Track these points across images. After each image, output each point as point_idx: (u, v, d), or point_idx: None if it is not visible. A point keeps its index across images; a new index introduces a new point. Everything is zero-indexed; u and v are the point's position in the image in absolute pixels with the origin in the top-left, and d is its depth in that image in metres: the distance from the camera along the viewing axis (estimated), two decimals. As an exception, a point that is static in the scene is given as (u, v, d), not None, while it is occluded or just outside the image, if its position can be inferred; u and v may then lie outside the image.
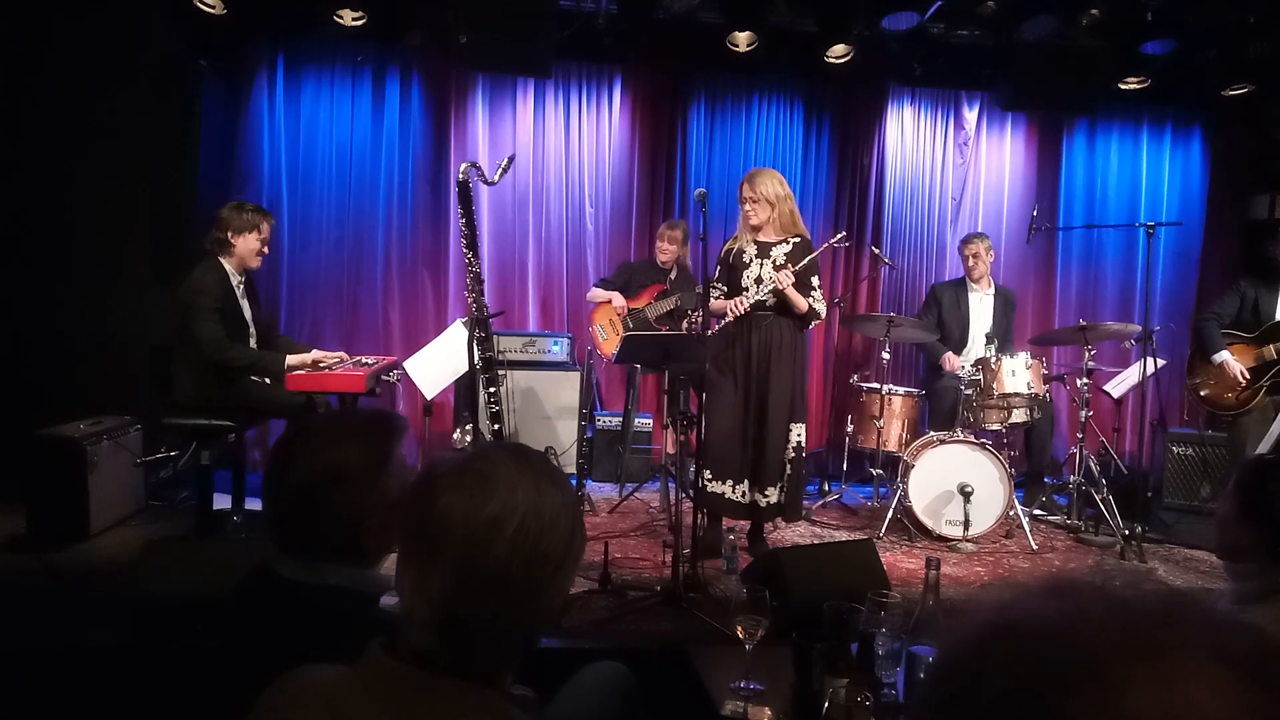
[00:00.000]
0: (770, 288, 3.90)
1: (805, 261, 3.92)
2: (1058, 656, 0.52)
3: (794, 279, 3.88)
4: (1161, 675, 0.50)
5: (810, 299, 3.97)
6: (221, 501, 4.22)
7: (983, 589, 3.89)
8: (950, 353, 5.28)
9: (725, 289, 4.07)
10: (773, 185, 3.95)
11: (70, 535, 3.80)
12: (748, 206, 3.97)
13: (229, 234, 4.04)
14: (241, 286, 4.15)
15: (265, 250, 4.19)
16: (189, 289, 3.93)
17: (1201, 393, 5.14)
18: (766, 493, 3.94)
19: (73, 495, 3.83)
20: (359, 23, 5.03)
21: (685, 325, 4.77)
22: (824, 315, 4.15)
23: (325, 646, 1.10)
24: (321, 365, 4.15)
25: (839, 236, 4.31)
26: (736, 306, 3.91)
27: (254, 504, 4.16)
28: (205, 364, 3.91)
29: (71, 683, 2.51)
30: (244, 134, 5.51)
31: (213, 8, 4.78)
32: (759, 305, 3.94)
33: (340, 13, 4.98)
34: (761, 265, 3.97)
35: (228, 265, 4.06)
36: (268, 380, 4.12)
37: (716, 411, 3.94)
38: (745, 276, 3.99)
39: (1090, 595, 0.56)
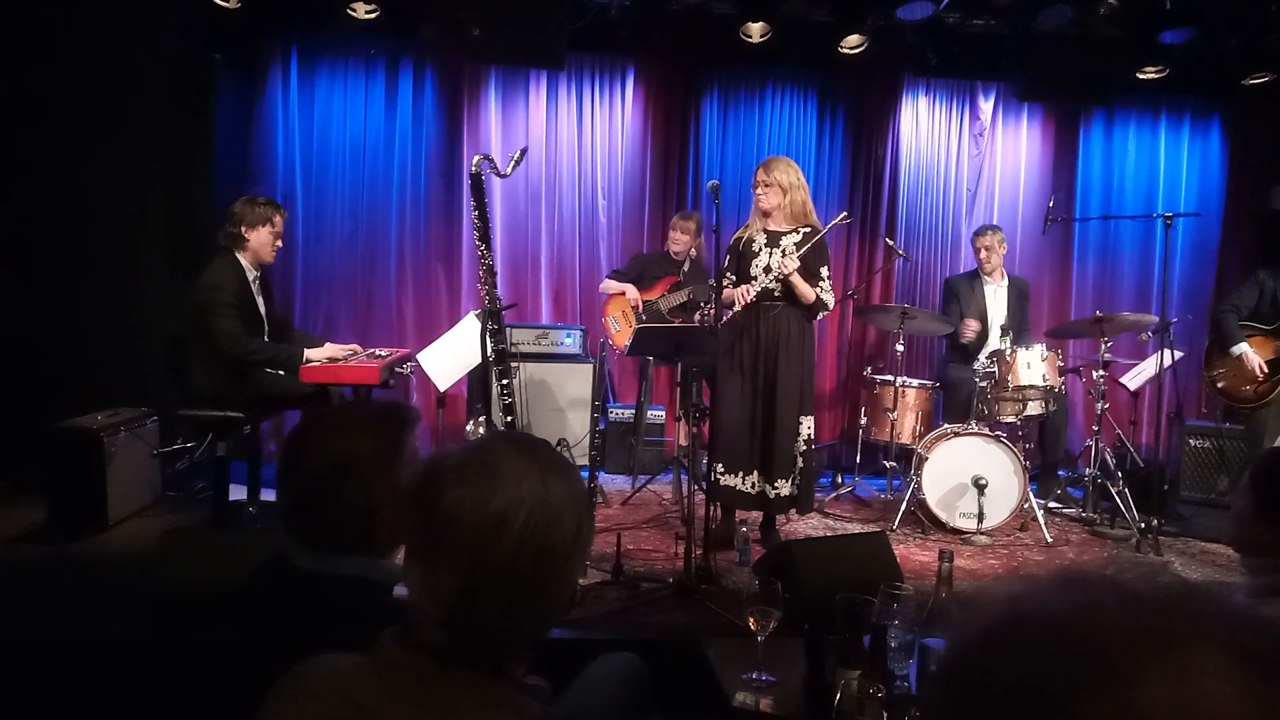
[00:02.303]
0: (776, 274, 3.88)
1: (811, 244, 3.90)
2: (1068, 649, 0.51)
3: (799, 263, 3.86)
4: (1172, 667, 0.49)
5: (819, 289, 3.95)
6: (237, 492, 4.25)
7: (995, 582, 3.87)
8: (967, 319, 5.22)
9: (734, 278, 4.06)
10: (787, 173, 3.93)
11: (88, 526, 3.84)
12: (759, 190, 3.96)
13: (242, 228, 4.06)
14: (257, 282, 4.17)
15: (279, 244, 4.20)
16: (205, 285, 3.95)
17: (1219, 385, 5.09)
18: (778, 484, 3.94)
19: (91, 486, 3.87)
20: (372, 16, 5.04)
21: (698, 318, 4.76)
22: (832, 306, 4.13)
23: (339, 636, 1.11)
24: (338, 360, 4.17)
25: (842, 215, 4.28)
26: (744, 294, 3.90)
27: (269, 495, 4.19)
28: (222, 358, 3.93)
29: (89, 672, 2.54)
30: (258, 128, 5.53)
31: (227, 1, 4.79)
32: (767, 294, 3.93)
33: (353, 6, 4.99)
34: (771, 254, 3.95)
35: (243, 260, 4.08)
36: (282, 373, 4.15)
37: (725, 403, 3.94)
38: (754, 265, 3.98)
39: (1101, 587, 0.56)
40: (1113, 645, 0.51)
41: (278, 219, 4.15)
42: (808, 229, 3.97)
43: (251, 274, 4.12)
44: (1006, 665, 0.53)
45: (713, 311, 3.74)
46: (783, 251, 3.92)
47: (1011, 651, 0.53)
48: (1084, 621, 0.53)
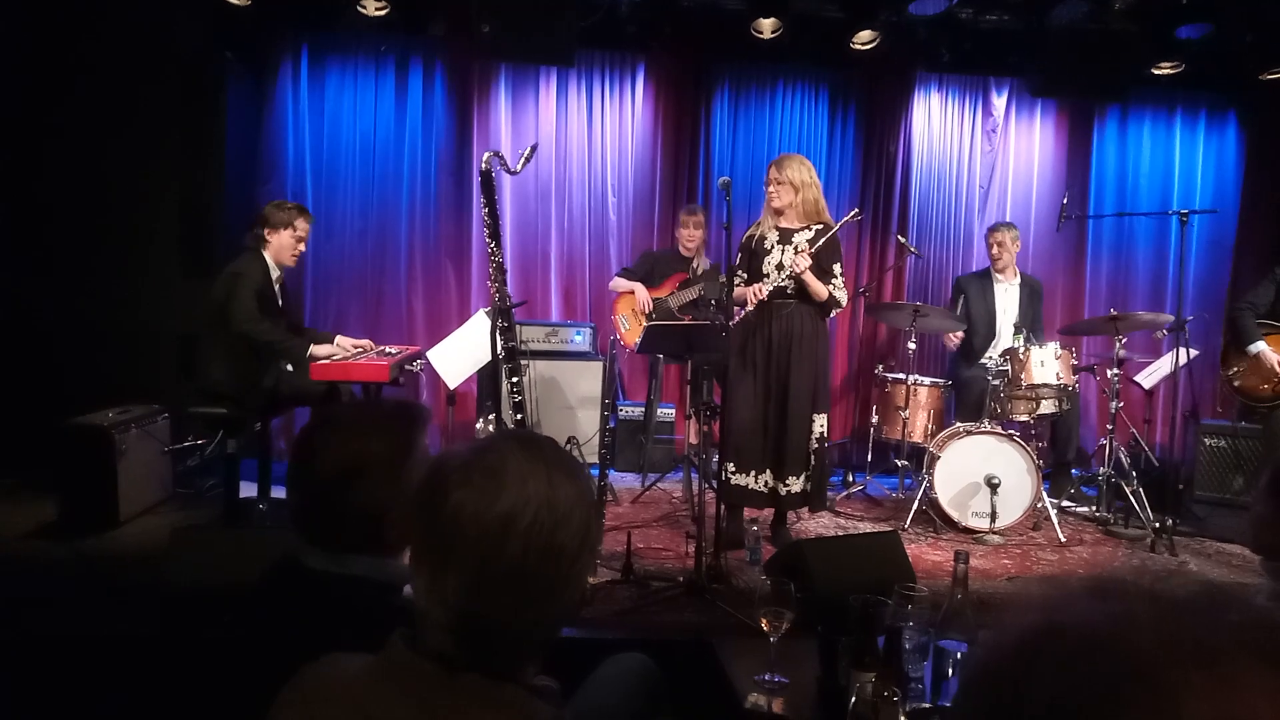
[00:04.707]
0: (789, 272, 3.86)
1: (823, 241, 3.87)
2: (1107, 663, 0.49)
3: (812, 261, 3.84)
4: (1217, 682, 0.47)
5: (831, 286, 3.93)
6: (248, 489, 4.25)
7: (1011, 582, 3.84)
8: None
9: (746, 275, 4.04)
10: (799, 171, 3.91)
11: (100, 523, 3.86)
12: (772, 188, 3.94)
13: (265, 230, 4.16)
14: (279, 283, 4.23)
15: (302, 248, 4.28)
16: (232, 272, 4.04)
17: (1236, 383, 5.04)
18: (789, 482, 3.91)
19: (102, 483, 3.88)
20: (382, 13, 5.03)
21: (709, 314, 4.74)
22: (845, 304, 4.10)
23: (349, 636, 1.10)
24: (345, 356, 4.19)
25: (854, 213, 4.26)
26: (757, 292, 3.88)
27: (280, 492, 4.19)
28: (235, 345, 3.97)
29: (99, 670, 2.54)
30: (269, 126, 5.53)
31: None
32: (779, 292, 3.91)
33: (363, 3, 4.98)
34: (783, 251, 3.93)
35: (268, 258, 4.17)
36: (289, 368, 4.18)
37: (737, 402, 3.92)
38: (766, 262, 3.95)
39: (1137, 597, 0.54)
40: (1154, 659, 0.49)
41: (301, 223, 4.22)
42: (820, 226, 3.95)
43: (275, 273, 4.20)
44: (1043, 679, 0.51)
45: (725, 310, 3.72)
46: (795, 249, 3.90)
47: (1047, 665, 0.51)
48: (1122, 634, 0.51)
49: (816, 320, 3.98)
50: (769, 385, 3.93)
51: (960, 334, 5.32)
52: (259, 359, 4.10)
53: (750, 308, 3.92)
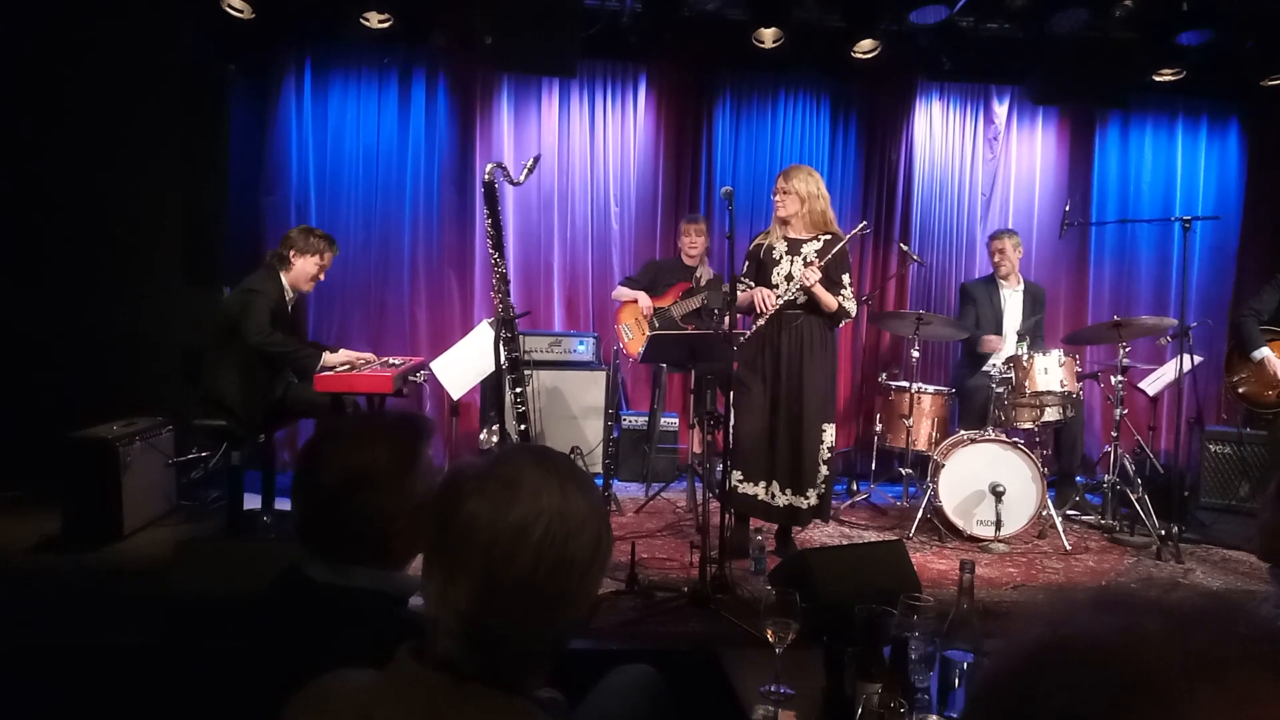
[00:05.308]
0: (798, 284, 3.86)
1: (831, 254, 3.88)
2: (1115, 676, 0.49)
3: (821, 274, 3.84)
4: (1225, 694, 0.47)
5: (840, 297, 3.93)
6: (252, 502, 4.26)
7: (1017, 591, 3.82)
8: (989, 335, 5.19)
9: (752, 284, 4.04)
10: (806, 182, 3.92)
11: (104, 535, 3.86)
12: (778, 197, 3.97)
13: (291, 253, 4.18)
14: (292, 304, 4.25)
15: (321, 277, 4.31)
16: (246, 288, 4.06)
17: (1240, 390, 5.04)
18: (806, 494, 3.91)
19: (106, 496, 3.89)
20: (385, 25, 5.05)
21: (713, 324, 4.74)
22: (854, 314, 4.11)
23: (354, 649, 1.10)
24: (355, 366, 4.21)
25: (861, 225, 4.27)
26: (764, 302, 3.88)
27: (284, 504, 4.19)
28: (244, 357, 3.98)
29: (103, 682, 2.54)
30: (272, 137, 5.55)
31: (241, 12, 4.82)
32: (789, 304, 3.91)
33: (366, 15, 5.00)
34: (792, 262, 3.93)
35: (284, 279, 4.18)
36: (295, 380, 4.18)
37: (746, 411, 3.92)
38: (775, 273, 3.96)
39: (1144, 609, 0.53)
40: (1161, 671, 0.49)
41: (327, 255, 4.27)
42: (828, 236, 3.95)
43: (289, 294, 4.21)
44: (1050, 693, 0.51)
45: (728, 318, 3.72)
46: (804, 260, 3.91)
47: (1055, 678, 0.51)
48: (1129, 646, 0.51)
49: (825, 330, 3.99)
50: (779, 396, 3.93)
51: (989, 346, 5.26)
52: (269, 371, 4.11)
53: (762, 321, 3.92)
